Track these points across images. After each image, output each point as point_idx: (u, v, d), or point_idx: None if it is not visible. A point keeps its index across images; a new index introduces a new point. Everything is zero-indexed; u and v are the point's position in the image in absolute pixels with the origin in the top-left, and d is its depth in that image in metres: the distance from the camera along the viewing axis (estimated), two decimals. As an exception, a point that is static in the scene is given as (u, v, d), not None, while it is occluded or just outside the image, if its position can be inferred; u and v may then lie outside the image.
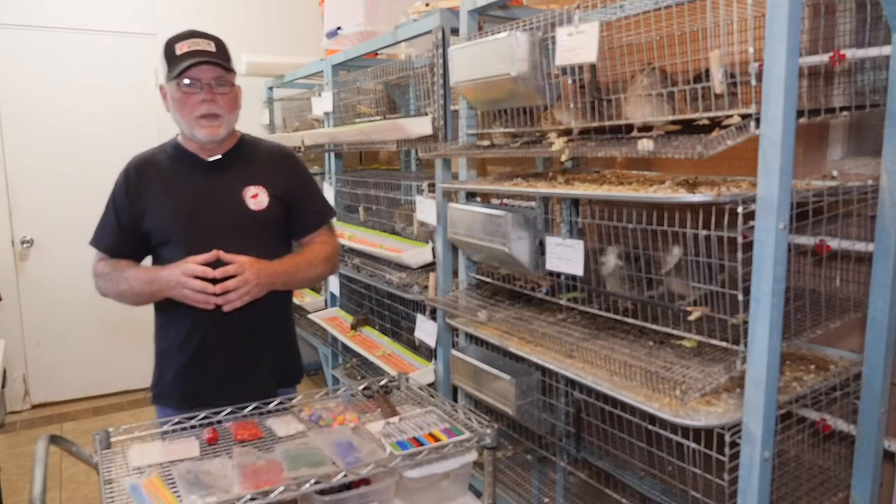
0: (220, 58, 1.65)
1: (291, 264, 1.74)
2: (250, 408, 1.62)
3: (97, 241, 1.76)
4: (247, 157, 1.79)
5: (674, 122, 1.48)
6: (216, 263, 1.60)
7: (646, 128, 1.54)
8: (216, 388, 1.72)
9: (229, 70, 1.67)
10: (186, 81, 1.63)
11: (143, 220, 1.71)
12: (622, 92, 1.55)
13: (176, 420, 1.54)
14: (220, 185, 1.73)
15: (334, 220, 1.96)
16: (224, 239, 1.64)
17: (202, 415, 1.57)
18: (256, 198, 1.72)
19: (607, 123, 1.59)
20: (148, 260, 1.80)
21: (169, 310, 1.71)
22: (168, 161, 1.76)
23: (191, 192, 1.71)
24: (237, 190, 1.72)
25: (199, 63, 1.61)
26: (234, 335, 1.72)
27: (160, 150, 1.79)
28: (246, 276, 1.59)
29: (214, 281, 1.58)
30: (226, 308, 1.60)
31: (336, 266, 1.90)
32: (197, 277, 1.58)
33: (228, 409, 1.59)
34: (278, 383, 1.82)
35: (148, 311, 1.79)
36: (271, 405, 1.64)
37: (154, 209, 1.70)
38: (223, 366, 1.73)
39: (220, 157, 1.75)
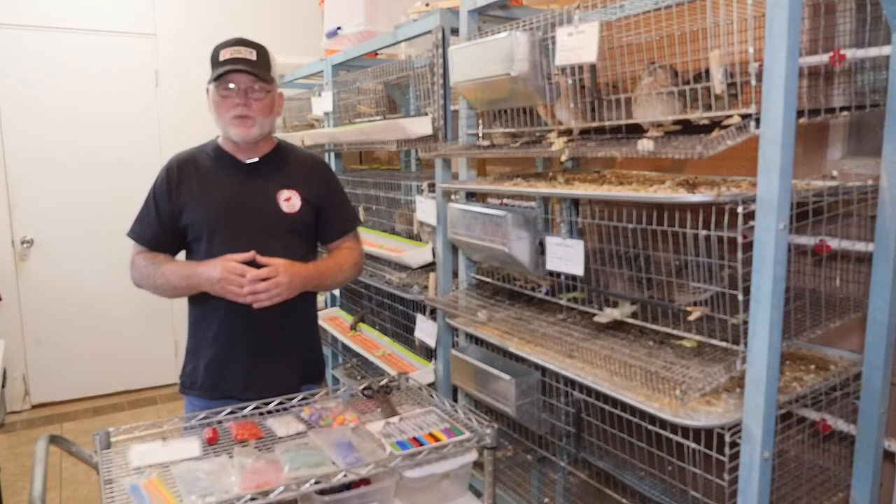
0: (258, 66, 1.73)
1: (323, 268, 1.84)
2: (250, 407, 1.62)
3: (135, 234, 1.84)
4: (282, 161, 1.88)
5: (674, 122, 1.48)
6: (252, 263, 1.68)
7: (652, 127, 1.53)
8: (243, 381, 1.81)
9: (264, 79, 1.74)
10: (231, 86, 1.72)
11: (181, 216, 1.79)
12: (626, 92, 1.55)
13: (177, 419, 1.55)
14: (255, 187, 1.81)
15: (360, 229, 2.05)
16: (255, 237, 1.73)
17: (202, 415, 1.58)
18: (289, 201, 1.81)
19: (607, 123, 1.59)
20: (182, 255, 1.88)
21: (203, 303, 1.80)
22: (208, 160, 1.84)
23: (227, 192, 1.79)
24: (271, 192, 1.81)
25: (233, 71, 1.70)
26: (262, 331, 1.80)
27: (200, 150, 1.87)
28: (279, 279, 1.67)
29: None
30: (255, 305, 1.68)
31: (361, 271, 2.00)
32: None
33: (254, 405, 1.64)
34: (302, 379, 1.89)
35: (147, 311, 1.80)
36: (271, 405, 1.64)
37: (192, 205, 1.79)
38: (250, 359, 1.81)
39: (256, 159, 1.84)
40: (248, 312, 1.74)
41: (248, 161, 1.83)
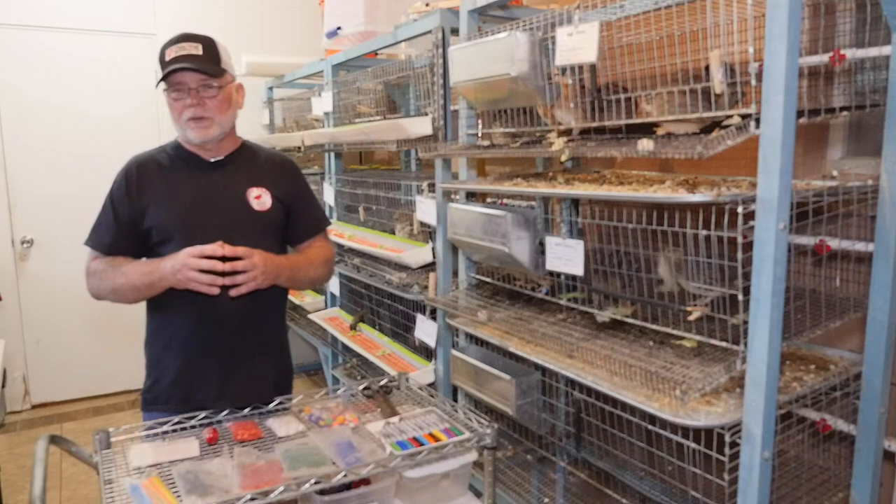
0: (205, 60, 1.65)
1: (295, 261, 1.78)
2: (250, 408, 1.62)
3: (93, 241, 1.74)
4: (249, 160, 1.82)
5: (674, 122, 1.48)
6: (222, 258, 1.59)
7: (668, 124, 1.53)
8: (216, 390, 1.70)
9: (213, 73, 1.66)
10: (180, 88, 1.65)
11: (144, 218, 1.70)
12: (626, 92, 1.55)
13: (175, 420, 1.54)
14: (223, 185, 1.74)
15: (329, 229, 1.98)
16: (226, 237, 1.63)
17: (202, 415, 1.57)
18: (260, 199, 1.74)
19: (607, 123, 1.59)
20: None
21: (166, 311, 1.71)
22: (169, 160, 1.76)
23: (194, 190, 1.72)
24: (241, 190, 1.74)
25: (178, 70, 1.63)
26: (235, 335, 1.71)
27: (161, 151, 1.80)
28: (255, 260, 1.59)
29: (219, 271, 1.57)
30: (233, 292, 1.59)
31: (332, 271, 1.93)
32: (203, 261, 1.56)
33: (227, 411, 1.59)
34: (275, 386, 1.79)
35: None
36: (271, 405, 1.64)
37: (155, 207, 1.70)
38: (223, 367, 1.71)
39: (222, 158, 1.77)
40: (220, 316, 1.67)
41: (213, 160, 1.76)
